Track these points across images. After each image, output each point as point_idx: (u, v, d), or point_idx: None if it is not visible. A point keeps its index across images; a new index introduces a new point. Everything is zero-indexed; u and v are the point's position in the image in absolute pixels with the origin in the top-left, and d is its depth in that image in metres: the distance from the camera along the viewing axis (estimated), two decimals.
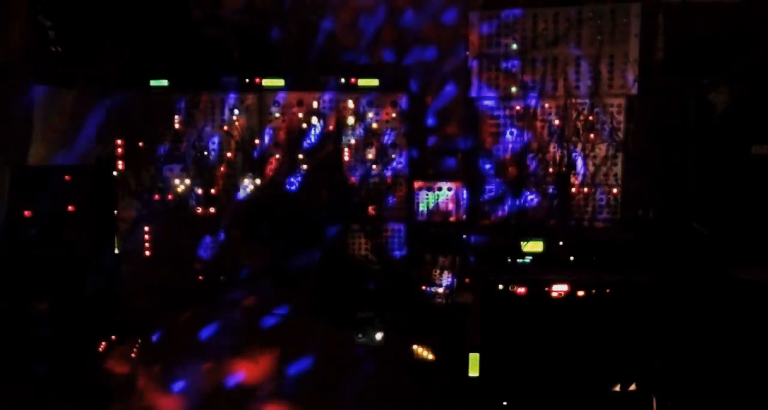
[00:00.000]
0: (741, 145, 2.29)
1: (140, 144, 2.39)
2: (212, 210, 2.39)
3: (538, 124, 2.38)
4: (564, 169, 2.36)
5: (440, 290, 2.38)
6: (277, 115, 2.40)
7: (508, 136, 2.41)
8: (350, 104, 2.38)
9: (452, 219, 2.40)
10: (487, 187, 2.41)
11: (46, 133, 2.59)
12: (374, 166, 2.38)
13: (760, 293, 2.14)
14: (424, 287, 2.39)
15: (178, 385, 1.49)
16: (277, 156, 2.40)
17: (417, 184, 2.41)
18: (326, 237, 2.37)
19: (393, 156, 2.38)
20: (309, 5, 2.60)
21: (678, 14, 2.48)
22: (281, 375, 1.49)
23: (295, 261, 1.63)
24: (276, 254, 1.62)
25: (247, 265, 1.64)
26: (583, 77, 2.35)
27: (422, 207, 2.41)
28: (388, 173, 2.38)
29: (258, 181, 2.39)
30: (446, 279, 2.38)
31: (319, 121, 2.38)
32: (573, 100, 2.35)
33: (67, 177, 2.44)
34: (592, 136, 2.35)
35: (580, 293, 2.27)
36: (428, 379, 2.24)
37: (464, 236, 2.39)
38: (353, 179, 2.39)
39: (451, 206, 2.40)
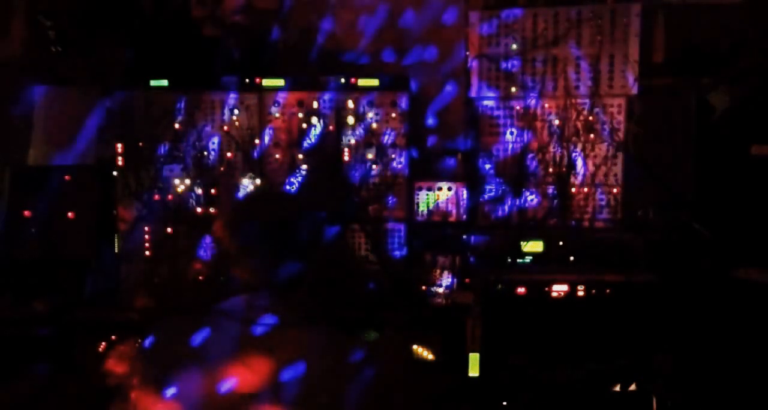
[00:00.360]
0: (741, 145, 2.29)
1: (140, 144, 2.39)
2: (212, 210, 2.39)
3: (538, 124, 2.38)
4: (564, 169, 2.36)
5: (440, 290, 2.38)
6: (277, 115, 2.39)
7: (508, 136, 2.41)
8: (350, 104, 2.38)
9: (452, 219, 2.40)
10: (487, 187, 2.41)
11: (46, 133, 2.59)
12: (374, 166, 2.38)
13: (760, 293, 2.14)
14: (424, 287, 2.39)
15: (171, 391, 1.48)
16: (277, 156, 2.40)
17: (417, 184, 2.41)
18: (324, 239, 2.37)
19: (393, 156, 2.38)
20: (309, 5, 2.60)
21: (678, 14, 2.48)
22: (276, 380, 1.48)
23: (287, 270, 1.61)
24: (268, 263, 1.60)
25: (238, 276, 1.61)
26: (583, 77, 2.35)
27: (422, 208, 2.41)
28: (388, 173, 2.38)
29: (258, 181, 2.39)
30: (446, 279, 2.38)
31: (319, 121, 2.38)
32: (573, 100, 2.35)
33: (67, 177, 2.44)
34: (592, 136, 2.35)
35: (580, 293, 2.27)
36: (428, 379, 2.24)
37: (464, 236, 2.39)
38: (353, 179, 2.39)
39: (451, 206, 2.40)
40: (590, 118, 2.35)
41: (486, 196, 2.41)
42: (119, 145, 2.40)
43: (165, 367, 1.50)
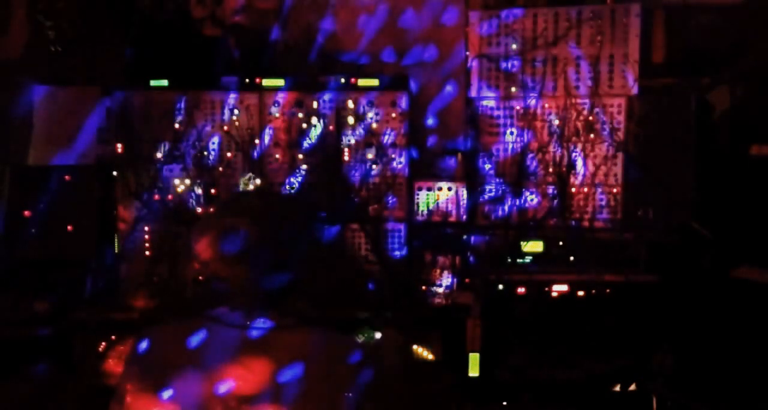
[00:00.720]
0: (741, 145, 2.29)
1: (140, 144, 2.39)
2: (212, 210, 2.39)
3: (538, 124, 2.38)
4: (564, 169, 2.36)
5: (440, 290, 2.38)
6: (277, 115, 2.39)
7: (508, 136, 2.41)
8: (350, 104, 2.38)
9: (452, 219, 2.40)
10: (487, 187, 2.41)
11: (46, 133, 2.59)
12: (374, 166, 2.38)
13: (760, 293, 2.14)
14: (424, 287, 2.39)
15: (168, 393, 1.48)
16: (277, 156, 2.40)
17: (417, 184, 2.41)
18: (317, 238, 2.37)
19: (393, 156, 2.38)
20: (309, 5, 2.60)
21: (678, 14, 2.48)
22: (274, 382, 1.47)
23: (280, 278, 1.58)
24: (260, 271, 1.55)
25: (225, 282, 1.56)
26: (583, 77, 2.35)
27: (422, 208, 2.41)
28: (388, 173, 2.38)
29: (258, 181, 2.39)
30: (446, 279, 2.38)
31: (319, 121, 2.38)
32: (573, 100, 2.35)
33: (67, 177, 2.44)
34: (592, 136, 2.35)
35: (580, 293, 2.27)
36: (428, 379, 2.24)
37: (464, 236, 2.39)
38: (353, 179, 2.39)
39: (451, 206, 2.40)
40: (590, 118, 2.35)
41: (486, 196, 2.41)
42: (119, 145, 2.40)
43: (161, 370, 1.50)
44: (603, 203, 2.36)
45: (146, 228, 2.40)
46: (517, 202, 2.39)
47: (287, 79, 2.40)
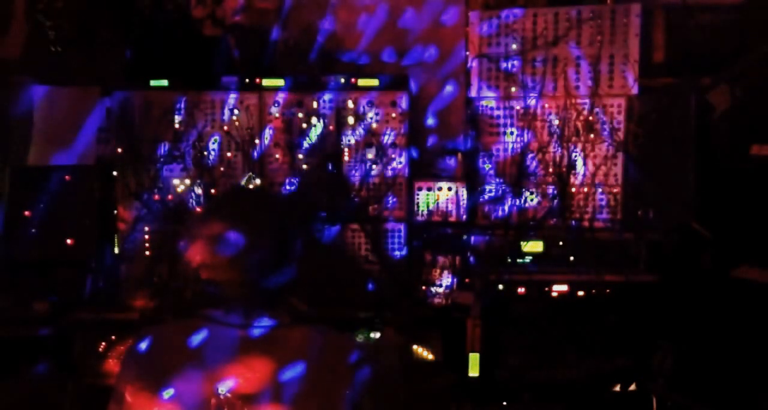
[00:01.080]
0: (741, 145, 2.29)
1: (140, 144, 2.39)
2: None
3: (538, 124, 2.38)
4: (564, 169, 2.36)
5: (440, 290, 2.38)
6: (277, 115, 2.39)
7: (508, 136, 2.41)
8: (350, 104, 2.38)
9: (452, 219, 2.40)
10: (487, 187, 2.41)
11: (46, 133, 2.59)
12: (374, 166, 2.38)
13: (760, 293, 2.14)
14: (424, 287, 2.39)
15: (168, 393, 1.48)
16: (277, 156, 2.40)
17: (417, 184, 2.41)
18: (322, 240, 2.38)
19: (393, 156, 2.38)
20: (309, 5, 2.60)
21: (678, 14, 2.48)
22: (275, 380, 1.47)
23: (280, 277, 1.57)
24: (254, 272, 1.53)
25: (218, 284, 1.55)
26: (583, 77, 2.35)
27: (422, 208, 2.41)
28: (388, 173, 2.38)
29: (258, 181, 2.39)
30: (446, 279, 2.38)
31: (319, 121, 2.38)
32: (573, 100, 2.35)
33: (67, 177, 2.44)
34: (592, 136, 2.35)
35: (580, 293, 2.27)
36: (428, 379, 2.24)
37: (464, 236, 2.39)
38: (353, 179, 2.39)
39: (451, 206, 2.40)
40: (590, 118, 2.35)
41: (486, 196, 2.41)
42: (119, 145, 2.40)
43: (161, 370, 1.50)
44: (603, 203, 2.36)
45: (146, 228, 2.40)
46: (517, 202, 2.38)
47: (287, 79, 2.40)
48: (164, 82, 2.41)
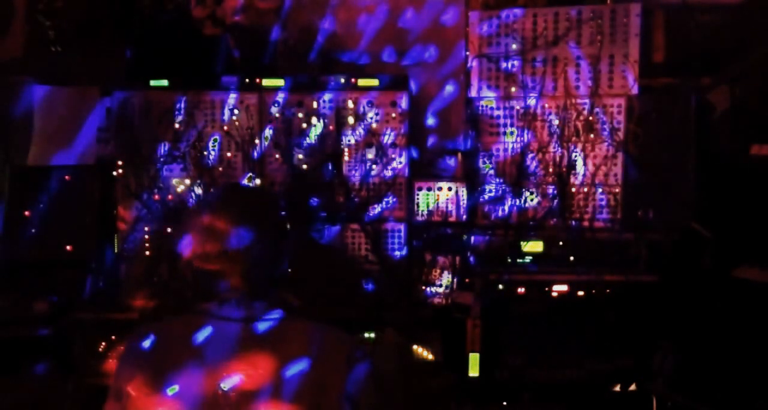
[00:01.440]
0: (741, 145, 2.29)
1: (140, 144, 2.39)
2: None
3: (538, 124, 2.38)
4: (564, 169, 2.36)
5: (440, 290, 2.38)
6: (277, 115, 2.39)
7: (508, 136, 2.41)
8: (350, 104, 2.38)
9: (452, 219, 2.40)
10: (487, 187, 2.41)
11: (46, 133, 2.59)
12: (374, 166, 2.38)
13: (760, 293, 2.14)
14: (424, 287, 2.39)
15: (173, 389, 1.48)
16: (277, 156, 2.40)
17: (417, 184, 2.41)
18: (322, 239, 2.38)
19: (393, 156, 2.38)
20: (309, 5, 2.60)
21: (678, 14, 2.48)
22: (279, 377, 1.48)
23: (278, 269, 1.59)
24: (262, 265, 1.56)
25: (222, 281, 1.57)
26: (583, 77, 2.35)
27: (422, 208, 2.41)
28: (388, 173, 2.38)
29: (258, 181, 2.39)
30: (446, 279, 2.38)
31: (319, 121, 2.38)
32: (573, 100, 2.35)
33: (67, 177, 2.44)
34: (592, 136, 2.35)
35: (580, 293, 2.27)
36: (428, 379, 2.24)
37: (464, 236, 2.39)
38: (353, 179, 2.39)
39: (451, 206, 2.40)
40: (590, 118, 2.35)
41: (486, 196, 2.41)
42: (119, 145, 2.40)
43: (162, 367, 1.50)
44: (603, 203, 2.36)
45: (146, 228, 2.40)
46: (517, 202, 2.38)
47: (287, 79, 2.40)
48: (164, 82, 2.41)
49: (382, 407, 1.62)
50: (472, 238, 2.38)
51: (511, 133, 2.40)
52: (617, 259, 2.29)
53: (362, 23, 2.56)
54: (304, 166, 2.39)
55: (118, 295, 2.38)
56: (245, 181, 2.39)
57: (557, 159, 2.37)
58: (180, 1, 2.58)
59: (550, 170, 2.37)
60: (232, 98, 2.39)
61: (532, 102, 2.37)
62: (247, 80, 2.40)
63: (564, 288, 2.27)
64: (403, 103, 2.37)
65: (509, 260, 2.36)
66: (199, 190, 2.39)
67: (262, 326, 1.52)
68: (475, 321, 2.23)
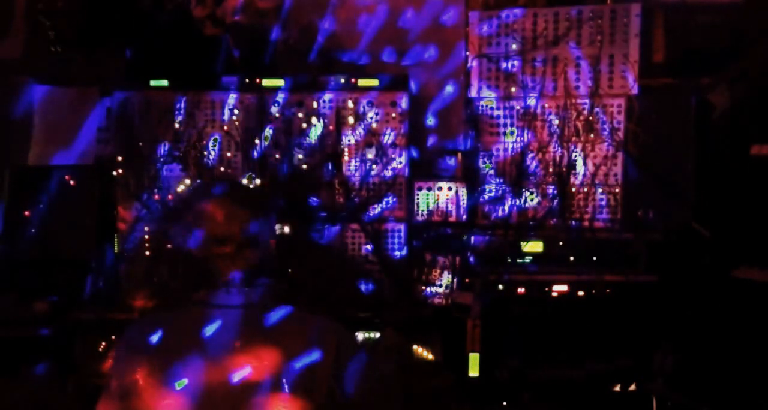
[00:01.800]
0: (741, 145, 2.29)
1: (140, 144, 2.39)
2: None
3: (538, 124, 2.38)
4: (564, 169, 2.36)
5: (440, 290, 2.38)
6: (277, 115, 2.39)
7: (508, 136, 2.41)
8: (350, 104, 2.38)
9: (452, 219, 2.40)
10: (487, 187, 2.41)
11: (46, 133, 2.59)
12: (374, 166, 2.38)
13: (760, 293, 2.14)
14: (424, 287, 2.39)
15: (180, 383, 1.49)
16: (277, 156, 2.40)
17: (417, 184, 2.41)
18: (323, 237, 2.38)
19: (393, 156, 2.38)
20: (309, 5, 2.60)
21: (678, 14, 2.48)
22: (286, 369, 1.49)
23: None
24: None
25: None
26: (583, 77, 2.35)
27: (422, 208, 2.41)
28: (388, 173, 2.38)
29: (258, 181, 2.39)
30: (446, 279, 2.38)
31: (319, 121, 2.38)
32: (573, 100, 2.35)
33: (67, 177, 2.44)
34: (592, 136, 2.35)
35: (580, 293, 2.27)
36: (428, 379, 2.24)
37: (464, 236, 2.39)
38: (353, 179, 2.39)
39: (451, 206, 2.40)
40: (590, 118, 2.35)
41: (486, 196, 2.41)
42: (119, 145, 2.40)
43: (169, 357, 1.51)
44: (603, 203, 2.36)
45: (146, 228, 2.40)
46: (517, 202, 2.39)
47: (287, 79, 2.40)
48: (164, 82, 2.42)
49: (380, 400, 1.63)
50: (472, 238, 2.38)
51: (511, 133, 2.40)
52: (617, 259, 2.29)
53: (362, 23, 2.56)
54: (304, 166, 2.39)
55: (118, 295, 2.38)
56: (245, 181, 2.39)
57: (557, 159, 2.37)
58: (180, 1, 2.57)
59: (550, 170, 2.37)
60: (232, 98, 2.39)
61: (532, 102, 2.37)
62: (247, 80, 2.41)
63: (564, 288, 2.27)
64: (403, 103, 2.37)
65: (509, 260, 2.36)
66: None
67: (262, 314, 1.55)
68: (475, 321, 2.23)
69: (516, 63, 2.37)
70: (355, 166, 2.39)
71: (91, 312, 2.31)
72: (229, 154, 2.40)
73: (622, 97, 2.34)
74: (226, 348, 1.51)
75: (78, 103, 2.58)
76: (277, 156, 2.40)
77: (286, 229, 2.36)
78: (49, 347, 2.25)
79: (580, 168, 2.36)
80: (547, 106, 2.38)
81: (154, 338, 1.55)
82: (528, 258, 2.36)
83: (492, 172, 2.41)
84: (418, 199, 2.41)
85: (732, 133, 2.36)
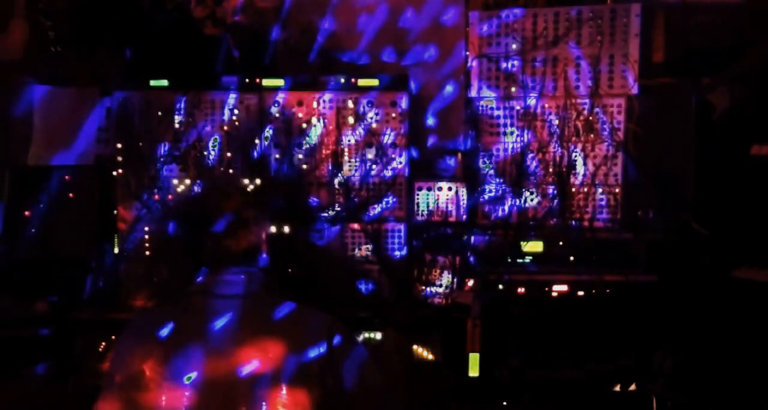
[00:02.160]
0: (741, 145, 2.29)
1: (140, 144, 2.39)
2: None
3: (538, 124, 2.38)
4: (564, 169, 2.36)
5: (440, 290, 2.38)
6: (277, 115, 2.40)
7: (508, 136, 2.41)
8: (350, 104, 2.38)
9: (452, 219, 2.40)
10: (487, 187, 2.41)
11: (46, 133, 2.59)
12: (374, 166, 2.38)
13: (760, 293, 2.14)
14: (424, 287, 2.39)
15: (186, 376, 1.50)
16: (277, 156, 2.40)
17: (417, 184, 2.41)
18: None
19: (393, 156, 2.38)
20: (309, 5, 2.60)
21: (678, 14, 2.48)
22: (288, 362, 1.50)
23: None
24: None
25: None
26: (583, 77, 2.35)
27: (422, 208, 2.41)
28: (388, 173, 2.38)
29: (258, 181, 2.39)
30: (446, 279, 2.38)
31: (319, 121, 2.38)
32: (573, 100, 2.35)
33: (67, 177, 2.44)
34: (592, 136, 2.35)
35: (580, 293, 2.27)
36: (428, 379, 2.24)
37: (464, 236, 2.39)
38: (353, 179, 2.39)
39: (451, 206, 2.40)
40: (590, 118, 2.35)
41: (486, 196, 2.41)
42: (119, 145, 2.40)
43: (178, 350, 1.52)
44: (603, 203, 2.36)
45: (146, 228, 2.40)
46: (517, 202, 2.39)
47: (287, 79, 2.40)
48: (164, 82, 2.41)
49: (382, 396, 1.64)
50: (472, 238, 2.38)
51: (511, 133, 2.40)
52: (617, 259, 2.29)
53: (362, 23, 2.56)
54: (304, 166, 2.39)
55: (118, 295, 2.38)
56: (245, 181, 2.39)
57: (557, 159, 2.37)
58: (180, 1, 2.58)
59: (550, 170, 2.37)
60: (232, 98, 2.39)
61: (532, 102, 2.37)
62: (247, 80, 2.40)
63: (564, 288, 2.27)
64: (403, 103, 2.37)
65: (509, 260, 2.36)
66: (198, 190, 2.39)
67: (264, 305, 1.56)
68: (475, 321, 2.23)
69: (516, 63, 2.37)
70: (355, 166, 2.39)
71: (91, 312, 2.31)
72: (229, 154, 2.40)
73: (622, 97, 2.34)
74: (230, 340, 1.52)
75: (78, 103, 2.58)
76: (277, 156, 2.40)
77: (286, 229, 2.35)
78: (49, 347, 2.25)
79: (580, 168, 2.36)
80: (547, 106, 2.38)
81: (162, 328, 1.56)
82: (528, 258, 2.36)
83: (492, 172, 2.41)
84: (418, 198, 2.41)
85: (732, 133, 2.36)
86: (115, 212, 2.41)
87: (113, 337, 2.29)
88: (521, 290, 2.28)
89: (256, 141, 2.39)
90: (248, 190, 1.83)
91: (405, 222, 2.40)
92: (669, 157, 2.31)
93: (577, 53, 2.34)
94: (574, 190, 2.37)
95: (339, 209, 2.38)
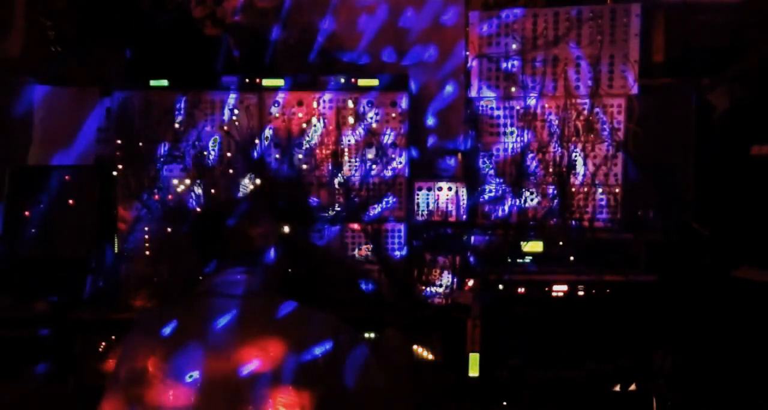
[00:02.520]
0: (741, 145, 2.29)
1: (140, 144, 2.39)
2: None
3: (538, 124, 2.38)
4: (564, 169, 2.36)
5: (440, 290, 2.38)
6: (277, 115, 2.40)
7: (508, 136, 2.41)
8: (350, 104, 2.38)
9: (452, 219, 2.40)
10: (487, 187, 2.41)
11: (46, 133, 2.59)
12: (374, 166, 2.38)
13: (760, 293, 2.14)
14: (424, 287, 2.39)
15: (188, 375, 1.50)
16: (277, 156, 2.40)
17: (417, 184, 2.41)
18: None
19: (393, 156, 2.38)
20: (309, 5, 2.60)
21: (678, 14, 2.48)
22: (290, 361, 1.50)
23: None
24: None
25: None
26: (583, 77, 2.35)
27: (422, 208, 2.41)
28: (388, 173, 2.38)
29: (258, 181, 2.39)
30: (446, 279, 2.38)
31: (319, 121, 2.38)
32: (573, 100, 2.35)
33: (67, 177, 2.44)
34: (592, 136, 2.35)
35: (580, 293, 2.27)
36: (428, 379, 2.24)
37: (464, 236, 2.39)
38: (353, 179, 2.39)
39: (451, 206, 2.40)
40: (590, 118, 2.35)
41: (486, 196, 2.41)
42: (119, 145, 2.40)
43: (181, 349, 1.53)
44: (603, 203, 2.36)
45: (146, 228, 2.40)
46: (517, 202, 2.39)
47: (287, 79, 2.40)
48: (164, 82, 2.41)
49: (382, 394, 1.65)
50: (472, 238, 2.38)
51: (511, 133, 2.40)
52: (617, 259, 2.29)
53: (362, 23, 2.56)
54: (304, 166, 2.39)
55: (118, 295, 2.38)
56: (245, 181, 2.39)
57: (557, 159, 2.37)
58: (180, 1, 2.58)
59: (550, 170, 2.37)
60: (232, 98, 2.39)
61: (532, 102, 2.37)
62: (247, 80, 2.40)
63: (564, 288, 2.27)
64: (403, 103, 2.37)
65: (509, 260, 2.36)
66: (199, 190, 2.39)
67: (266, 305, 1.57)
68: (475, 321, 2.23)
69: (516, 63, 2.37)
70: (355, 166, 2.39)
71: (91, 312, 2.31)
72: (229, 154, 2.40)
73: (622, 97, 2.34)
74: (231, 339, 1.53)
75: (78, 103, 2.58)
76: (277, 156, 2.40)
77: (286, 229, 2.35)
78: (49, 347, 2.25)
79: (580, 168, 2.36)
80: (547, 106, 2.38)
81: (167, 327, 1.56)
82: (528, 258, 2.36)
83: (492, 172, 2.41)
84: (418, 199, 2.41)
85: (732, 133, 2.36)
86: (115, 212, 2.41)
87: (113, 337, 2.29)
88: (521, 290, 2.28)
89: (256, 141, 2.39)
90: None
91: (405, 222, 2.40)
92: (669, 157, 2.31)
93: (577, 53, 2.34)
94: (574, 189, 2.37)
95: (339, 209, 2.38)
